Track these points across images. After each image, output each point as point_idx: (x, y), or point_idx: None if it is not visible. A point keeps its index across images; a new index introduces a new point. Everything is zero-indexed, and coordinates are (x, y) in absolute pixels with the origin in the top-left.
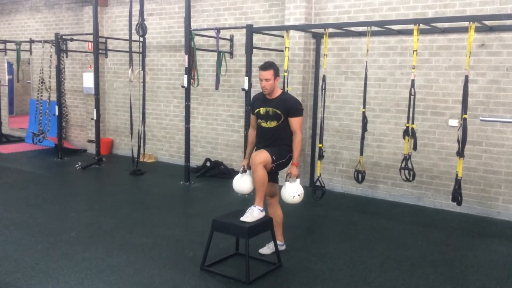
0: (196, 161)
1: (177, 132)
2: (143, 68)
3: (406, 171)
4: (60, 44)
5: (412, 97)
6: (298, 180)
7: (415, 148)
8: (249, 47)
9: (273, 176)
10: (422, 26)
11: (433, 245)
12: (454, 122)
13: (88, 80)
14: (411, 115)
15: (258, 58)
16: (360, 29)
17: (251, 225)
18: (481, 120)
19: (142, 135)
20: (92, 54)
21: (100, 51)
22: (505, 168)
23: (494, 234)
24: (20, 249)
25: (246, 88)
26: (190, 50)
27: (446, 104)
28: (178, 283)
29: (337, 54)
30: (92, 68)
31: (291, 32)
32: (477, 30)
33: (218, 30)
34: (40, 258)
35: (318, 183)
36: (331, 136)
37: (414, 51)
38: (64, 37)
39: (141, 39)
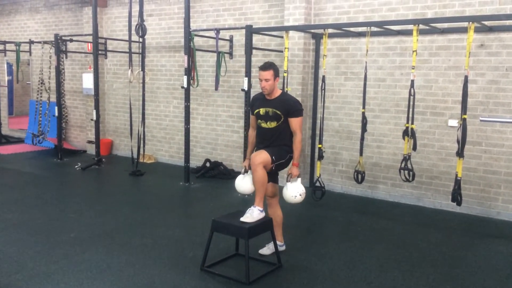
0: (195, 161)
1: (177, 133)
2: (143, 69)
3: (406, 172)
4: (59, 45)
5: (411, 97)
6: (299, 180)
7: (414, 148)
8: (249, 48)
9: (273, 176)
10: (421, 26)
11: (433, 245)
12: (454, 123)
13: (87, 81)
14: (410, 115)
15: (258, 59)
16: (360, 29)
17: (251, 225)
18: (481, 120)
19: (142, 136)
20: (92, 55)
21: (100, 52)
22: (505, 168)
23: (494, 234)
24: (20, 250)
25: (246, 89)
26: (190, 50)
27: (445, 105)
28: (178, 284)
29: (336, 54)
30: (92, 69)
31: (291, 33)
32: (477, 30)
33: (217, 30)
34: (40, 259)
35: (317, 184)
36: (330, 137)
37: (413, 51)
38: (63, 38)
39: (141, 39)
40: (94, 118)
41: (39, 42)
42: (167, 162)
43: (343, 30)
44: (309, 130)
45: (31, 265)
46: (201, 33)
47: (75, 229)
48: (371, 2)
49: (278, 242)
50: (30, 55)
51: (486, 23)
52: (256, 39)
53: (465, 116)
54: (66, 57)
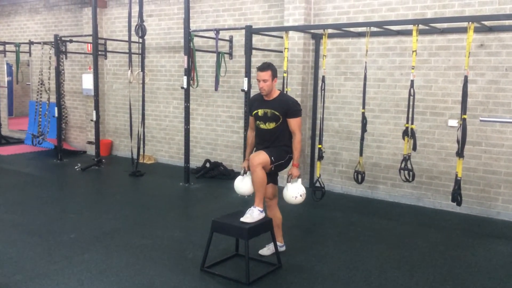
0: (195, 162)
1: (177, 133)
2: (143, 69)
3: (406, 172)
4: (59, 46)
5: (411, 97)
6: (299, 180)
7: (414, 148)
8: (248, 48)
9: (272, 177)
10: (421, 26)
11: (433, 245)
12: (454, 123)
13: (87, 81)
14: (410, 115)
15: (258, 59)
16: (359, 29)
17: (251, 226)
18: (481, 121)
19: (142, 136)
20: (92, 55)
21: (100, 53)
22: (505, 169)
23: (494, 234)
24: (20, 251)
25: (246, 89)
26: (190, 51)
27: (445, 105)
28: (178, 284)
29: (336, 54)
30: (92, 70)
31: (290, 33)
32: (476, 30)
33: (217, 31)
34: (39, 260)
35: (317, 184)
36: (330, 137)
37: (413, 51)
38: (63, 38)
39: (141, 40)
40: (94, 118)
41: (39, 43)
42: (167, 163)
43: (342, 30)
44: (309, 131)
45: (31, 266)
46: (201, 33)
47: (75, 230)
48: (371, 2)
49: (278, 243)
50: (30, 56)
51: (485, 23)
52: (256, 40)
53: (465, 116)
54: (66, 58)
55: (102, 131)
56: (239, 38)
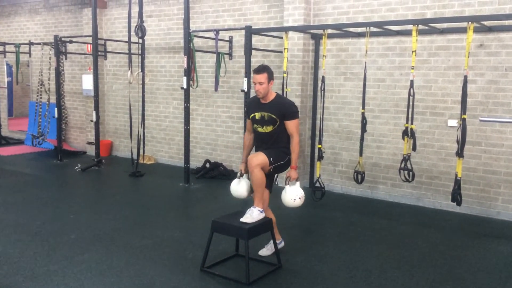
0: (195, 162)
1: (177, 134)
2: (142, 70)
3: (406, 172)
4: (59, 46)
5: (411, 97)
6: (298, 183)
7: (414, 148)
8: (248, 49)
9: (269, 182)
10: (421, 26)
11: (433, 245)
12: (454, 123)
13: (87, 82)
14: (410, 115)
15: (257, 59)
16: (359, 30)
17: (251, 226)
18: (480, 120)
19: (142, 137)
20: (92, 56)
21: (100, 53)
22: (505, 168)
23: (494, 234)
24: (20, 252)
25: (245, 90)
26: (189, 51)
27: (445, 105)
28: (178, 284)
29: (336, 55)
30: (92, 70)
31: (290, 33)
32: (476, 30)
33: (217, 31)
34: (40, 260)
35: (317, 184)
36: (330, 137)
37: (413, 51)
38: (63, 39)
39: (140, 41)
40: (94, 119)
41: (39, 44)
42: (167, 163)
43: (342, 31)
44: (309, 131)
45: (31, 266)
46: (201, 34)
47: (75, 230)
48: (371, 3)
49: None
50: (30, 56)
51: (485, 23)
52: (256, 40)
53: (464, 116)
54: (66, 58)
55: (102, 132)
56: (239, 38)
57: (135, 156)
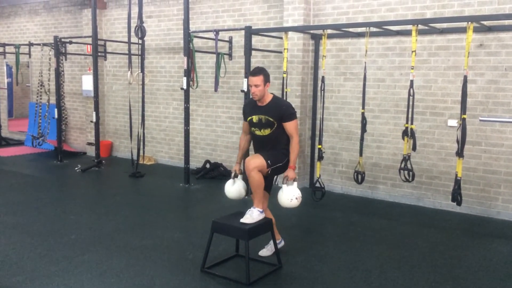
0: (195, 163)
1: (177, 134)
2: (142, 71)
3: (406, 172)
4: (59, 47)
5: (411, 97)
6: (295, 183)
7: (414, 148)
8: (248, 49)
9: (267, 184)
10: (420, 26)
11: (433, 245)
12: (453, 122)
13: (87, 82)
14: (410, 115)
15: (257, 60)
16: (359, 30)
17: (251, 226)
18: (480, 120)
19: (142, 137)
20: (91, 56)
21: (99, 54)
22: (505, 168)
23: (494, 234)
24: (20, 252)
25: (245, 90)
26: (189, 52)
27: (445, 105)
28: (178, 285)
29: (336, 55)
30: (91, 71)
31: (290, 34)
32: (476, 30)
33: (217, 32)
34: (40, 261)
35: (317, 184)
36: (330, 137)
37: (412, 51)
38: (63, 40)
39: (140, 41)
40: (94, 120)
41: (39, 44)
42: (167, 164)
43: (342, 31)
44: (309, 131)
45: (32, 267)
46: (201, 34)
47: (75, 231)
48: (370, 3)
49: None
50: (30, 57)
51: (485, 23)
52: (256, 40)
53: (464, 116)
54: (66, 59)
55: (102, 132)
56: (239, 39)
57: (135, 157)
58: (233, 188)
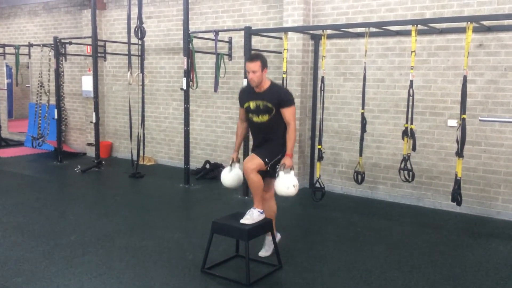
0: (195, 163)
1: (177, 135)
2: (142, 71)
3: (406, 172)
4: (59, 48)
5: (411, 97)
6: (292, 172)
7: (414, 148)
8: (248, 49)
9: (270, 172)
10: (420, 26)
11: (433, 245)
12: (453, 123)
13: (87, 83)
14: (410, 115)
15: None
16: (358, 30)
17: (251, 227)
18: (480, 120)
19: (142, 138)
20: (91, 57)
21: (99, 54)
22: (505, 168)
23: (494, 234)
24: (20, 253)
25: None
26: (189, 52)
27: (445, 105)
28: (178, 286)
29: (335, 55)
30: (91, 72)
31: (290, 34)
32: (475, 30)
33: (216, 32)
34: (40, 262)
35: (317, 185)
36: (330, 138)
37: (412, 51)
38: (62, 40)
39: (140, 42)
40: (94, 120)
41: (38, 45)
42: (167, 164)
43: (341, 31)
44: (309, 131)
45: (31, 268)
46: (200, 35)
47: (75, 232)
48: (370, 3)
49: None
50: (30, 58)
51: (484, 23)
52: (255, 41)
53: (464, 116)
54: (66, 60)
55: (102, 133)
56: (238, 39)
57: (135, 157)
58: (230, 176)
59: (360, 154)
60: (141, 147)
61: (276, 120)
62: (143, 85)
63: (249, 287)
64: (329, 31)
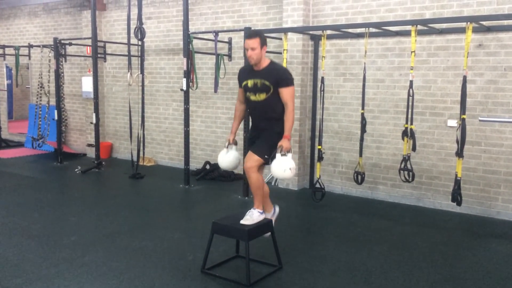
0: (195, 164)
1: (177, 135)
2: (142, 72)
3: (406, 172)
4: (58, 49)
5: (410, 98)
6: (290, 155)
7: (414, 149)
8: None
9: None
10: (419, 27)
11: (433, 246)
12: (453, 123)
13: (87, 84)
14: (410, 116)
15: None
16: (358, 30)
17: (251, 227)
18: (480, 120)
19: (142, 139)
20: (91, 58)
21: (99, 55)
22: (504, 168)
23: (494, 234)
24: (20, 254)
25: None
26: (189, 53)
27: (444, 105)
28: (178, 286)
29: (335, 55)
30: (91, 72)
31: (289, 34)
32: (475, 30)
33: (216, 33)
34: (40, 263)
35: (317, 185)
36: (330, 138)
37: (412, 52)
38: (62, 41)
39: (140, 42)
40: (94, 121)
41: (38, 46)
42: (167, 165)
43: (341, 32)
44: (309, 132)
45: (32, 269)
46: (200, 35)
47: (75, 233)
48: (369, 3)
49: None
50: (29, 59)
51: (484, 23)
52: None
53: (464, 116)
54: (65, 61)
55: (102, 134)
56: (238, 40)
57: (135, 158)
58: (226, 158)
59: (360, 155)
60: (141, 148)
61: (273, 100)
62: (143, 86)
63: (250, 287)
64: (328, 32)
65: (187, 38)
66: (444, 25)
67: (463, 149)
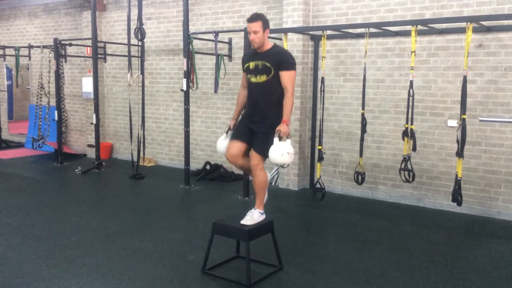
0: (196, 164)
1: (177, 136)
2: (142, 72)
3: (406, 172)
4: (59, 49)
5: (411, 98)
6: (288, 140)
7: (414, 149)
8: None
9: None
10: (419, 27)
11: (433, 246)
12: (453, 123)
13: (87, 84)
14: (410, 116)
15: None
16: (358, 30)
17: (251, 228)
18: (480, 120)
19: (142, 139)
20: (91, 58)
21: (99, 56)
22: (505, 168)
23: (494, 234)
24: (21, 255)
25: None
26: (189, 53)
27: (445, 105)
28: (179, 287)
29: (335, 56)
30: (91, 73)
31: (289, 35)
32: (475, 30)
33: (216, 33)
34: (40, 263)
35: (318, 185)
36: (330, 138)
37: (412, 52)
38: (63, 42)
39: (140, 43)
40: (94, 121)
41: (39, 47)
42: (167, 165)
43: (341, 32)
44: (309, 132)
45: (32, 269)
46: (200, 36)
47: (75, 233)
48: (369, 4)
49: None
50: (30, 59)
51: (484, 23)
52: None
53: (464, 116)
54: (66, 61)
55: (102, 134)
56: (238, 40)
57: (135, 159)
58: (225, 144)
59: (361, 155)
60: (142, 148)
61: (274, 83)
62: (143, 86)
63: (250, 287)
64: (329, 32)
65: (187, 38)
66: (444, 25)
67: (464, 149)
